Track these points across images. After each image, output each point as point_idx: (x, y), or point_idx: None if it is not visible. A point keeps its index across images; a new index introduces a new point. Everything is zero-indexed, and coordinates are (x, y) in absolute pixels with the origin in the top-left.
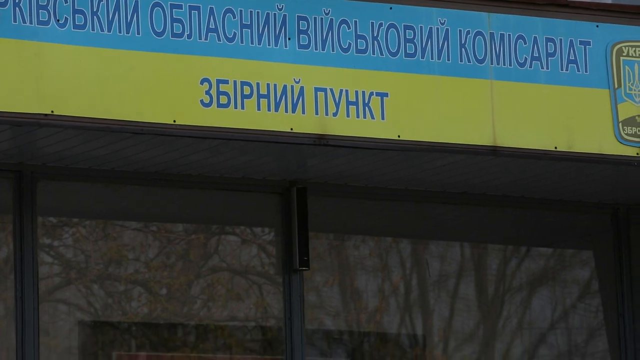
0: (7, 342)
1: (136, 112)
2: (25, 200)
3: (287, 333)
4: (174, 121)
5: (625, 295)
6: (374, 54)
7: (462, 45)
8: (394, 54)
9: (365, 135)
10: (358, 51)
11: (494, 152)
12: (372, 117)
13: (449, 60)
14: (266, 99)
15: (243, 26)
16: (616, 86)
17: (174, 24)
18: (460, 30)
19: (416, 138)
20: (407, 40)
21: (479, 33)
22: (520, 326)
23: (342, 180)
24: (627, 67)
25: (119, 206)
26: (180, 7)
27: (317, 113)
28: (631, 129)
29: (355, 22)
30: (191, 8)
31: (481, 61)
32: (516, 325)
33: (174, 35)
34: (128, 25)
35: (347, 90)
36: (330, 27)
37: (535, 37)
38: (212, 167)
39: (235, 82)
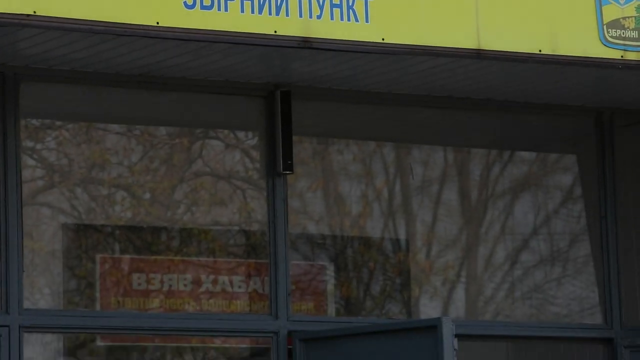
0: None
1: (120, 13)
2: (7, 102)
3: (271, 237)
4: (157, 23)
5: (608, 198)
6: None
7: None
8: None
9: (349, 38)
10: None
11: (478, 55)
12: (357, 20)
13: None
14: (250, 1)
15: None
16: None
17: None
18: None
19: (400, 41)
20: None
21: None
22: (502, 232)
23: (326, 84)
24: None
25: (102, 109)
26: None
27: (301, 15)
28: (615, 32)
29: None
30: None
31: None
32: (499, 231)
33: None
34: None
35: None
36: None
37: None
38: (196, 70)
39: None
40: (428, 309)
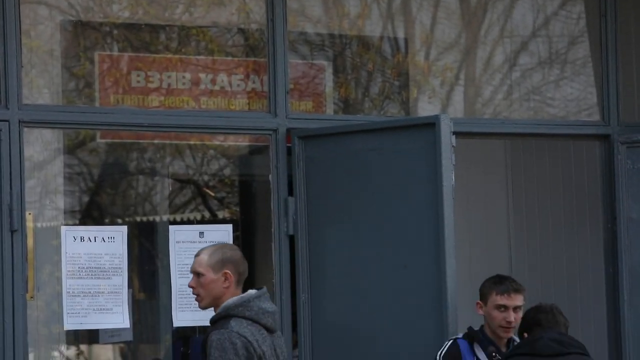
0: None
1: None
2: None
3: (270, 35)
4: None
5: None
6: None
7: None
8: None
9: None
10: None
11: None
12: None
13: None
14: None
15: None
16: None
17: None
18: None
19: None
20: None
21: None
22: (501, 34)
23: None
24: None
25: None
26: None
27: None
28: None
29: None
30: None
31: None
32: (498, 33)
33: None
34: None
35: None
36: None
37: None
38: None
39: None
40: (426, 111)
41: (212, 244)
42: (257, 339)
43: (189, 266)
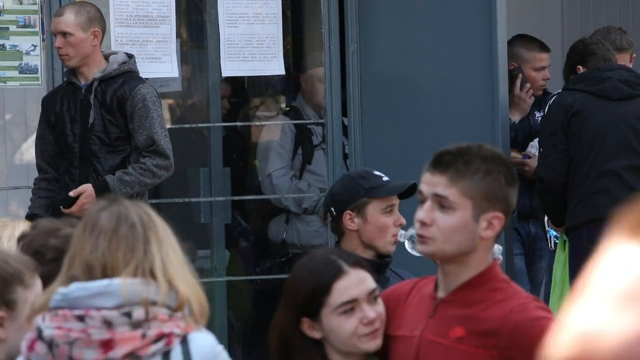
0: None
1: None
2: None
3: None
4: None
5: None
6: None
7: None
8: None
9: None
10: None
11: None
12: None
13: None
14: None
15: None
16: None
17: None
18: None
19: None
20: None
21: None
22: None
23: None
24: None
25: None
26: None
27: None
28: None
29: None
30: None
31: None
32: None
33: None
34: None
35: None
36: None
37: None
38: None
39: None
40: None
41: (70, 2)
42: None
43: (237, 15)
